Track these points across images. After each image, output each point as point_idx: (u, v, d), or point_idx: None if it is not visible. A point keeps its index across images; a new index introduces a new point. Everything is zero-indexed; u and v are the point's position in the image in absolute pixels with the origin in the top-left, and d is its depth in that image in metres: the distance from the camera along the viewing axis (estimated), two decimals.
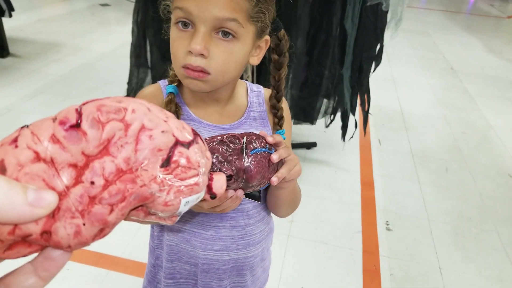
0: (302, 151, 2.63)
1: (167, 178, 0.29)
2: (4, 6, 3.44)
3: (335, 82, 2.16)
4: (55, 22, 4.90)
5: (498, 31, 6.89)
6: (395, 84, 3.93)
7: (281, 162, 0.63)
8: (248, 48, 0.68)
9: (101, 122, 0.28)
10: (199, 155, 0.31)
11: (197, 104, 0.76)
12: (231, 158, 0.56)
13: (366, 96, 2.19)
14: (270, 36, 0.73)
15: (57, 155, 0.27)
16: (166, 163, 0.29)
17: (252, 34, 0.67)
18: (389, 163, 2.61)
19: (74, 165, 0.27)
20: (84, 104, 0.28)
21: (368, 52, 1.97)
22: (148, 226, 0.91)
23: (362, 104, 2.24)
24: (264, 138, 0.61)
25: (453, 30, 6.35)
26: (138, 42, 2.13)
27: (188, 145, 0.30)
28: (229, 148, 0.57)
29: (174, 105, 0.72)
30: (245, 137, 0.59)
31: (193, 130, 0.32)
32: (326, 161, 2.56)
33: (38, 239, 0.27)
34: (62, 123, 0.27)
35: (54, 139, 0.27)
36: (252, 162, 0.58)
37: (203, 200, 0.34)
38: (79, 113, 0.27)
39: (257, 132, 0.62)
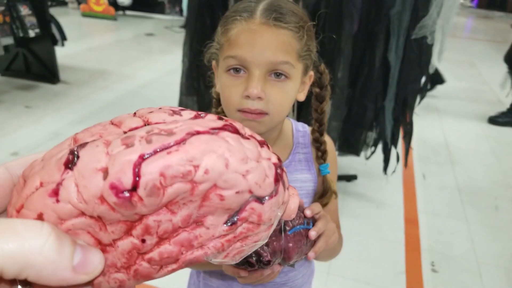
0: (342, 184, 2.56)
1: (229, 241, 0.25)
2: (58, 36, 3.67)
3: (378, 114, 2.11)
4: (103, 50, 5.16)
5: None
6: (439, 116, 3.81)
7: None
8: (298, 86, 0.69)
9: (163, 187, 0.22)
10: (275, 209, 0.25)
11: None
12: (269, 239, 0.54)
13: (409, 129, 2.13)
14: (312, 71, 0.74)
15: (106, 215, 0.23)
16: (232, 220, 0.25)
17: (301, 72, 0.68)
18: (434, 200, 2.49)
19: (125, 221, 0.23)
20: (144, 159, 0.22)
21: (413, 85, 1.92)
22: None
23: (405, 137, 2.17)
24: (303, 213, 0.60)
25: (499, 60, 6.11)
26: (190, 73, 2.18)
27: (264, 198, 0.25)
28: None
29: None
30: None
31: (276, 175, 0.25)
32: (367, 195, 2.48)
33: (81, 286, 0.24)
34: (113, 187, 0.22)
35: (103, 201, 0.22)
36: (291, 243, 0.56)
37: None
38: (137, 175, 0.22)
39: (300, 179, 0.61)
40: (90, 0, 6.99)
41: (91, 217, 0.23)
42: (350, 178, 2.60)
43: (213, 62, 0.72)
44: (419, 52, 1.82)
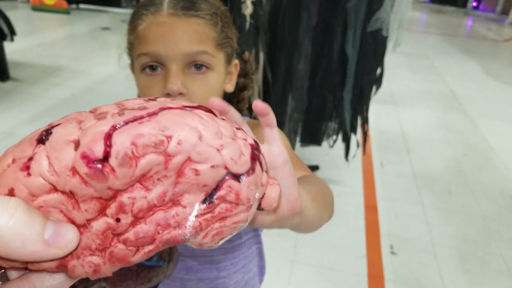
0: None
1: (207, 220, 0.25)
2: (6, 31, 3.48)
3: (337, 105, 2.17)
4: (56, 46, 4.95)
5: (496, 54, 6.98)
6: (395, 106, 3.95)
7: None
8: (222, 76, 0.65)
9: (135, 157, 0.22)
10: (253, 188, 0.25)
11: None
12: None
13: (365, 119, 2.20)
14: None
15: (78, 189, 0.22)
16: (209, 199, 0.24)
17: (223, 61, 0.65)
18: (392, 186, 2.59)
19: (98, 198, 0.23)
20: (116, 128, 0.22)
21: (369, 76, 1.99)
22: None
23: (362, 126, 2.24)
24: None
25: (451, 53, 6.44)
26: None
27: (241, 177, 0.25)
28: None
29: None
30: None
31: (252, 153, 0.25)
32: (329, 184, 2.54)
33: (53, 271, 0.23)
34: (84, 156, 0.21)
35: (74, 173, 0.22)
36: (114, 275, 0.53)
37: None
38: (108, 145, 0.22)
39: None
40: None
41: (63, 192, 0.22)
42: (313, 168, 2.66)
43: (129, 64, 0.67)
44: (375, 44, 1.88)
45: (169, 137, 0.22)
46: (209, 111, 0.26)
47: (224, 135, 0.24)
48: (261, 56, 1.78)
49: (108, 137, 0.22)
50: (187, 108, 0.25)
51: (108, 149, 0.21)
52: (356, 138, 2.30)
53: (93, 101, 3.42)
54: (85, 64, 4.40)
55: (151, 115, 0.23)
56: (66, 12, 6.67)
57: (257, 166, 0.26)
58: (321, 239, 2.07)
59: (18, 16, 6.25)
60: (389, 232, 2.17)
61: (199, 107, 0.25)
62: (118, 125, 0.22)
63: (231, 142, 0.24)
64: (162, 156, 0.22)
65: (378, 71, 2.01)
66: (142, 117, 0.23)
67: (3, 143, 2.69)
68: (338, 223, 2.20)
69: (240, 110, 0.74)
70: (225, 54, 0.64)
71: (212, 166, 0.23)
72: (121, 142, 0.22)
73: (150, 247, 0.24)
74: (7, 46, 3.68)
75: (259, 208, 0.29)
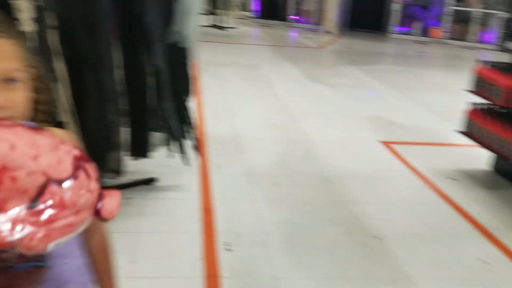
0: (142, 188, 2.57)
1: (32, 222, 0.25)
2: None
3: (160, 115, 2.21)
4: None
5: (314, 60, 8.00)
6: (231, 114, 4.18)
7: None
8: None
9: None
10: (77, 193, 0.27)
11: None
12: None
13: (190, 125, 2.29)
14: None
15: None
16: (33, 203, 0.26)
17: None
18: (227, 187, 2.74)
19: None
20: None
21: (182, 84, 2.08)
22: None
23: (189, 131, 2.33)
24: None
25: (278, 61, 7.13)
26: None
27: (63, 182, 0.26)
28: None
29: None
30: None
31: (75, 162, 0.28)
32: (166, 193, 2.57)
33: None
34: None
35: None
36: (19, 281, 0.49)
37: None
38: None
39: None
40: None
41: None
42: (148, 181, 2.63)
43: None
44: (179, 55, 1.97)
45: None
46: (31, 128, 0.28)
47: (40, 146, 0.26)
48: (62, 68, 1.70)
49: None
50: (6, 126, 0.26)
51: None
52: (188, 143, 2.37)
53: None
54: None
55: None
56: None
57: (81, 174, 0.28)
58: (159, 248, 2.07)
59: None
60: (225, 230, 2.28)
61: (20, 124, 0.28)
62: None
63: (48, 151, 0.26)
64: None
65: (189, 79, 2.12)
66: None
67: None
68: (175, 230, 2.23)
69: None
70: None
71: (29, 173, 0.25)
72: None
73: None
74: None
75: (102, 218, 0.30)
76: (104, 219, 0.32)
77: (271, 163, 3.15)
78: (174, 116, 2.21)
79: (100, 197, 0.31)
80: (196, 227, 2.27)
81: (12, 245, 0.26)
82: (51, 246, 0.28)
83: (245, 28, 10.77)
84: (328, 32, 10.72)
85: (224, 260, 2.05)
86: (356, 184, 2.93)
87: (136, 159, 2.36)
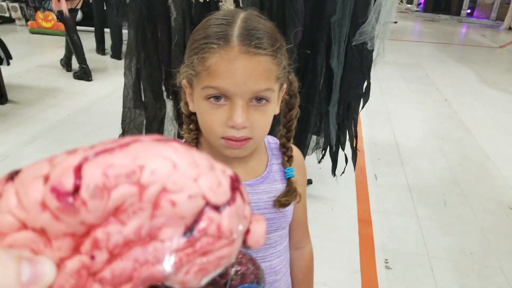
0: None
1: (188, 254, 0.23)
2: (2, 55, 3.53)
3: (323, 119, 2.17)
4: (53, 67, 5.00)
5: (491, 61, 7.00)
6: (389, 118, 3.95)
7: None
8: (276, 104, 0.70)
9: (107, 189, 0.21)
10: (235, 220, 0.24)
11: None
12: None
13: (354, 133, 2.19)
14: None
15: (49, 225, 0.21)
16: (189, 232, 0.23)
17: (278, 91, 0.69)
18: (386, 199, 2.58)
19: (71, 234, 0.21)
20: (87, 158, 0.22)
21: (355, 90, 1.99)
22: None
23: (350, 140, 2.24)
24: (258, 269, 0.57)
25: (445, 61, 6.46)
26: (133, 85, 2.18)
27: (221, 208, 0.23)
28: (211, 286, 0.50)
29: None
30: (234, 269, 0.54)
31: (232, 183, 0.25)
32: (322, 198, 2.53)
33: None
34: (54, 190, 0.20)
35: (45, 208, 0.21)
36: None
37: None
38: (79, 177, 0.21)
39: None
40: (38, 16, 6.77)
41: (34, 230, 0.21)
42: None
43: (183, 81, 0.70)
44: (360, 58, 1.89)
45: (141, 167, 0.22)
46: (185, 144, 0.25)
47: (199, 165, 0.23)
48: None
49: (78, 169, 0.21)
50: (161, 141, 0.24)
51: (78, 182, 0.21)
52: (344, 153, 2.29)
53: (89, 121, 3.44)
54: (81, 84, 4.44)
55: (122, 146, 0.22)
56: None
57: (238, 197, 0.25)
58: (315, 254, 2.05)
59: (17, 39, 6.34)
60: (384, 246, 2.15)
61: (173, 140, 0.25)
62: (89, 157, 0.22)
63: (208, 171, 0.23)
64: (136, 187, 0.21)
65: (365, 84, 2.02)
66: (113, 149, 0.22)
67: (1, 165, 2.70)
68: (331, 238, 2.19)
69: (290, 130, 0.79)
70: (281, 84, 0.69)
71: (190, 196, 0.22)
72: (92, 174, 0.21)
73: (128, 286, 0.23)
74: (6, 69, 3.73)
75: (246, 246, 0.27)
76: (248, 248, 0.27)
77: (437, 179, 2.85)
78: (336, 122, 2.14)
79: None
80: (354, 238, 2.19)
81: (166, 279, 0.23)
82: (204, 281, 0.25)
83: (407, 22, 10.07)
84: (510, 29, 9.28)
85: (383, 277, 1.94)
86: None
87: None
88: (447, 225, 2.35)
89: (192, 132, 0.74)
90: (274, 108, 0.69)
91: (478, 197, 2.63)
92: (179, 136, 1.21)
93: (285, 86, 0.73)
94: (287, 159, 0.80)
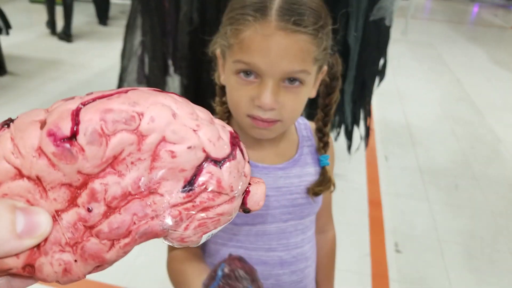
0: None
1: (187, 209, 0.22)
2: (1, 24, 3.42)
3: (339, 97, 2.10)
4: (54, 39, 4.88)
5: (503, 42, 6.83)
6: (400, 98, 3.85)
7: None
8: (311, 87, 0.65)
9: (105, 135, 0.20)
10: (235, 175, 0.23)
11: (251, 145, 0.70)
12: None
13: (368, 111, 2.12)
14: None
15: (45, 173, 0.20)
16: (189, 186, 0.22)
17: (315, 73, 0.63)
18: (396, 181, 2.52)
19: (68, 185, 0.21)
20: (84, 103, 0.21)
21: (371, 67, 1.91)
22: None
23: (365, 119, 2.17)
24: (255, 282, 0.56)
25: (457, 41, 6.30)
26: (138, 59, 2.09)
27: (221, 162, 0.23)
28: None
29: None
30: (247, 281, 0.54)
31: (232, 138, 0.24)
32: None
33: (20, 272, 0.21)
34: (51, 134, 0.20)
35: (41, 153, 0.20)
36: None
37: None
38: (76, 122, 0.20)
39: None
40: None
41: (30, 178, 0.21)
42: None
43: (218, 51, 0.66)
44: (378, 34, 1.80)
45: (140, 114, 0.21)
46: (183, 97, 0.24)
47: (200, 117, 0.23)
48: None
49: (76, 113, 0.20)
50: (160, 91, 0.23)
51: (75, 126, 0.20)
52: (358, 131, 2.23)
53: None
54: (84, 57, 4.33)
55: (120, 93, 0.22)
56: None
57: (238, 152, 0.24)
58: None
59: (16, 9, 6.18)
60: (394, 229, 2.11)
61: (173, 92, 0.24)
62: (87, 102, 0.21)
63: (208, 124, 0.23)
64: (135, 135, 0.21)
65: (381, 62, 1.93)
66: (111, 95, 0.22)
67: None
68: (341, 220, 2.12)
69: (328, 114, 0.74)
70: (319, 65, 0.64)
71: (189, 147, 0.22)
72: (90, 118, 0.20)
73: (126, 240, 0.22)
74: (4, 39, 3.62)
75: (245, 208, 0.26)
76: (248, 210, 0.26)
77: (449, 161, 2.79)
78: (351, 100, 2.07)
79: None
80: (364, 220, 2.15)
81: (164, 234, 0.23)
82: (204, 238, 0.24)
83: (418, 0, 9.80)
84: None
85: (393, 260, 1.90)
86: None
87: None
88: (458, 208, 2.30)
89: (224, 105, 0.69)
90: (309, 91, 0.64)
91: (490, 181, 2.57)
92: None
93: (325, 68, 0.67)
94: (322, 145, 0.75)
